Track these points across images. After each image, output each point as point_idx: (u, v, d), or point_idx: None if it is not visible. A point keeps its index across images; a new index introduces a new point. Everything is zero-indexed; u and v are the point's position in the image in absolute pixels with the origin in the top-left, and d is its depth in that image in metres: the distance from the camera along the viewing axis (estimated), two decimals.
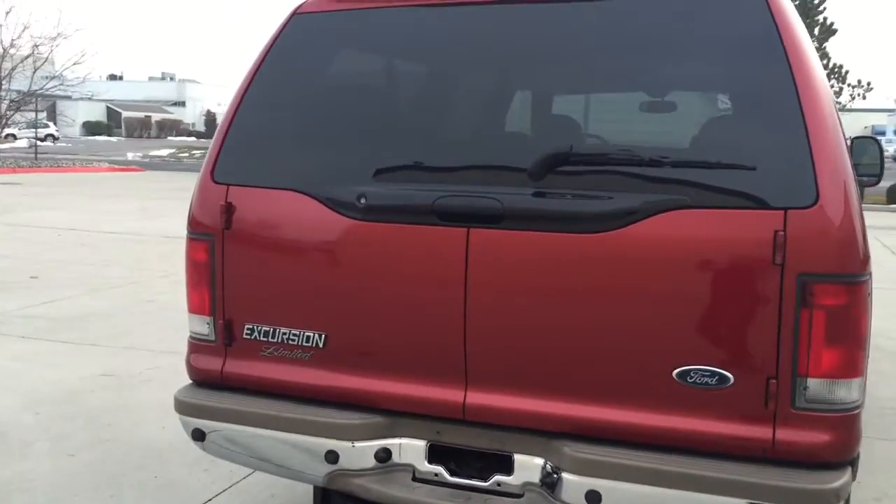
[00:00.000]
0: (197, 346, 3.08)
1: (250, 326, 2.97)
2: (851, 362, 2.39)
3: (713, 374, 2.44)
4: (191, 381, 3.12)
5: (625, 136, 3.07)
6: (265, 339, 2.95)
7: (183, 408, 3.00)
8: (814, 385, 2.38)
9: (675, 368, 2.48)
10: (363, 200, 2.73)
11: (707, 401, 2.46)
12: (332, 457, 2.77)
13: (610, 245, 2.50)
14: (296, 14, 3.09)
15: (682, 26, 2.63)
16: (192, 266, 3.06)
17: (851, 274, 2.36)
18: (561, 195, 2.56)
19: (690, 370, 2.47)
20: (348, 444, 2.76)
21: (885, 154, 4.30)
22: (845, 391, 2.39)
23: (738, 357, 2.43)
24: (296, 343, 2.90)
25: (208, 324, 3.04)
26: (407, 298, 2.75)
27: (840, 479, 2.36)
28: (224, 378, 3.02)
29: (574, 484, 2.53)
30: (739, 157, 2.44)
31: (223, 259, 2.97)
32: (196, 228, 3.04)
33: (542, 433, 2.62)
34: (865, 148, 4.06)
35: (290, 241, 2.92)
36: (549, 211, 2.56)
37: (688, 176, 2.48)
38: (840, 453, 2.41)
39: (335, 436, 2.77)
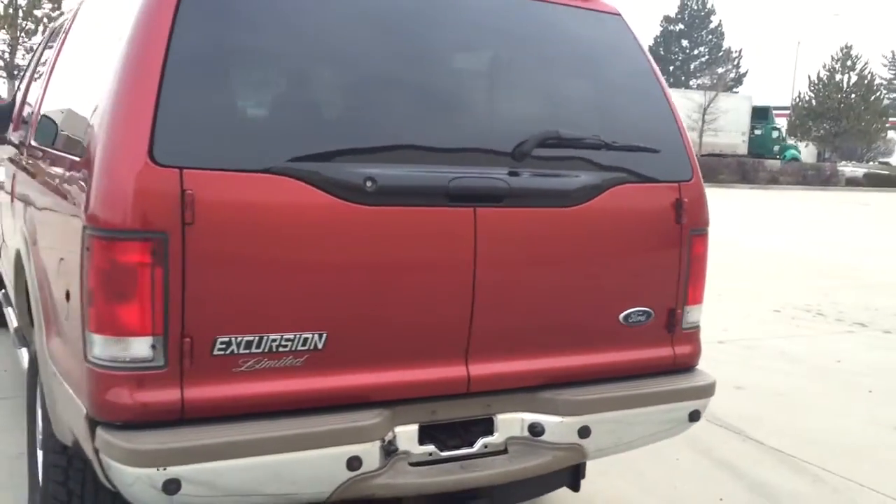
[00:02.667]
0: (130, 376, 2.37)
1: (225, 340, 2.44)
2: (702, 292, 3.32)
3: (643, 312, 3.10)
4: (113, 423, 2.38)
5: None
6: (245, 352, 2.47)
7: (143, 457, 2.31)
8: (689, 311, 3.23)
9: (621, 313, 3.06)
10: (371, 184, 2.55)
11: (638, 334, 3.11)
12: (356, 463, 2.54)
13: (582, 215, 2.92)
14: None
15: None
16: (120, 273, 2.33)
17: (706, 228, 3.27)
18: (547, 175, 2.86)
19: (630, 312, 3.08)
20: (370, 444, 2.58)
21: None
22: (697, 314, 3.31)
23: (656, 295, 3.13)
24: (287, 349, 2.52)
25: (153, 346, 2.37)
26: (417, 283, 2.68)
27: (711, 376, 3.27)
28: (186, 410, 2.41)
29: (565, 425, 2.90)
30: (652, 144, 3.12)
31: (184, 262, 2.37)
32: (128, 224, 2.33)
33: (524, 389, 2.90)
34: None
35: (280, 234, 2.48)
36: (542, 189, 2.85)
37: (626, 158, 3.06)
38: (698, 359, 3.33)
39: (360, 439, 2.56)
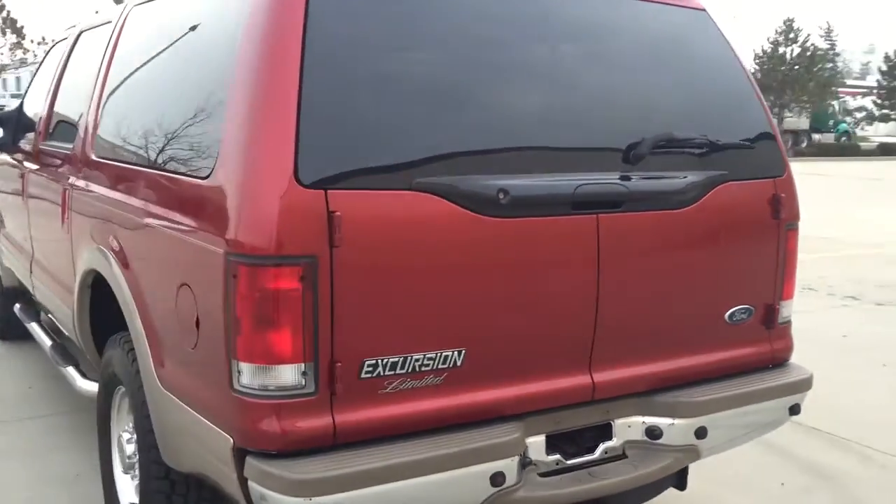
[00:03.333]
0: (282, 405, 2.31)
1: (372, 362, 2.39)
2: (794, 287, 3.34)
3: (746, 309, 3.12)
4: (266, 453, 2.32)
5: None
6: (390, 374, 2.43)
7: (305, 486, 2.25)
8: (783, 306, 3.26)
9: (727, 312, 3.08)
10: (504, 195, 2.51)
11: (740, 332, 3.13)
12: (500, 478, 2.52)
13: (692, 216, 2.92)
14: None
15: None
16: (269, 300, 2.27)
17: (798, 222, 3.29)
18: (659, 177, 2.86)
19: (735, 310, 3.10)
20: (511, 459, 2.55)
21: None
22: (790, 308, 3.34)
23: (757, 292, 3.15)
24: (429, 368, 2.48)
25: (304, 372, 2.31)
26: (547, 294, 2.65)
27: (808, 370, 3.30)
28: (337, 435, 2.36)
29: (684, 427, 2.91)
30: (747, 141, 3.13)
31: (332, 285, 2.30)
32: (277, 249, 2.26)
33: (640, 393, 2.90)
34: None
35: (421, 251, 2.43)
36: (656, 192, 2.84)
37: (728, 157, 3.06)
38: (791, 353, 3.36)
39: (503, 455, 2.53)
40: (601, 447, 2.86)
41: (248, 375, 2.32)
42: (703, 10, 3.27)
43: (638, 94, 3.01)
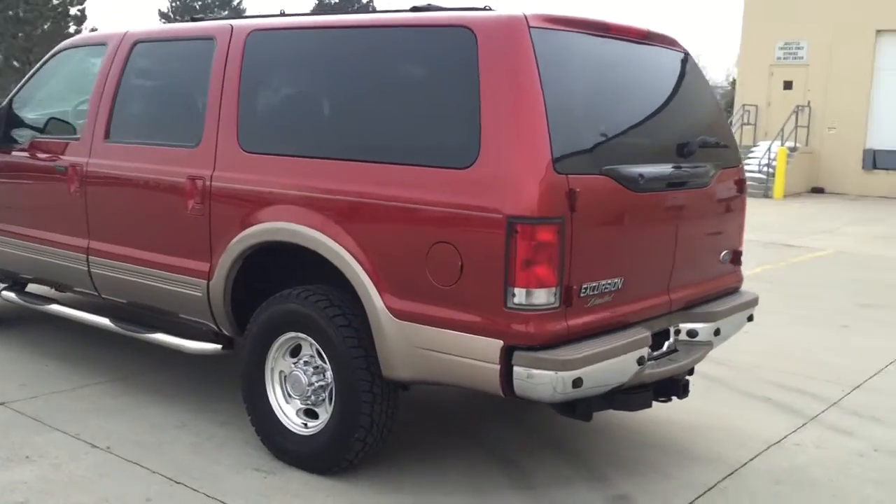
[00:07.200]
0: (539, 315, 3.56)
1: (585, 286, 3.71)
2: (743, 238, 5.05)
3: (728, 252, 4.76)
4: (525, 347, 3.57)
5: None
6: (593, 293, 3.76)
7: (567, 364, 3.52)
8: (742, 251, 4.95)
9: (721, 254, 4.69)
10: (641, 178, 3.92)
11: (724, 268, 4.77)
12: (641, 360, 3.91)
13: (711, 191, 4.52)
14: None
15: None
16: (539, 247, 3.51)
17: (746, 193, 4.99)
18: (697, 166, 4.39)
19: (724, 253, 4.72)
20: (645, 348, 3.96)
21: None
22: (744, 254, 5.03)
23: (731, 241, 4.78)
24: (607, 290, 3.84)
25: (554, 294, 3.58)
26: (659, 242, 4.14)
27: (753, 292, 5.02)
28: (569, 333, 3.65)
29: (709, 328, 4.47)
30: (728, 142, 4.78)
31: (571, 237, 3.59)
32: (546, 213, 3.51)
33: (680, 310, 4.41)
34: None
35: (606, 214, 3.82)
36: (699, 174, 4.40)
37: (721, 153, 4.66)
38: (743, 282, 5.05)
39: (645, 345, 3.93)
40: (664, 345, 4.35)
41: (519, 297, 3.55)
42: (688, 52, 4.86)
43: (678, 111, 4.57)
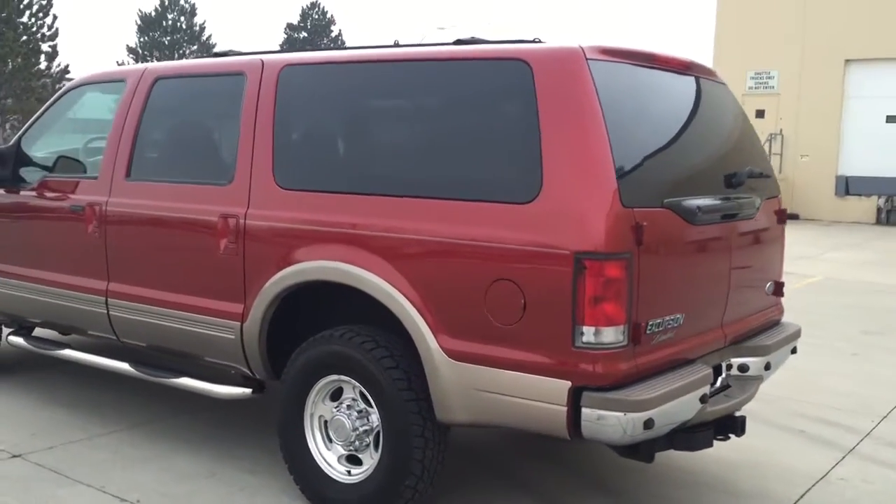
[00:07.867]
0: (607, 354, 3.44)
1: (651, 322, 3.59)
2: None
3: (772, 284, 4.69)
4: (594, 388, 3.44)
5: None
6: (658, 330, 3.65)
7: (638, 405, 3.39)
8: (783, 282, 4.88)
9: (766, 285, 4.61)
10: (699, 211, 3.83)
11: (768, 300, 4.70)
12: (705, 398, 3.80)
13: (758, 221, 4.44)
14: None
15: None
16: (608, 283, 3.40)
17: (785, 223, 4.93)
18: (745, 197, 4.31)
19: (769, 285, 4.65)
20: (707, 386, 3.84)
21: None
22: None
23: (774, 271, 4.71)
24: (671, 326, 3.72)
25: (622, 332, 3.46)
26: (715, 273, 4.06)
27: (796, 325, 4.94)
28: (638, 372, 3.53)
29: (759, 362, 4.38)
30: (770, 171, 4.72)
31: (639, 272, 3.48)
32: (613, 249, 3.40)
33: (730, 345, 4.31)
34: None
35: (670, 247, 3.70)
36: (748, 205, 4.32)
37: (765, 184, 4.60)
38: (783, 314, 4.97)
39: (708, 382, 3.82)
40: (719, 380, 4.24)
41: (588, 335, 3.42)
42: (724, 83, 4.81)
43: (723, 141, 4.53)
